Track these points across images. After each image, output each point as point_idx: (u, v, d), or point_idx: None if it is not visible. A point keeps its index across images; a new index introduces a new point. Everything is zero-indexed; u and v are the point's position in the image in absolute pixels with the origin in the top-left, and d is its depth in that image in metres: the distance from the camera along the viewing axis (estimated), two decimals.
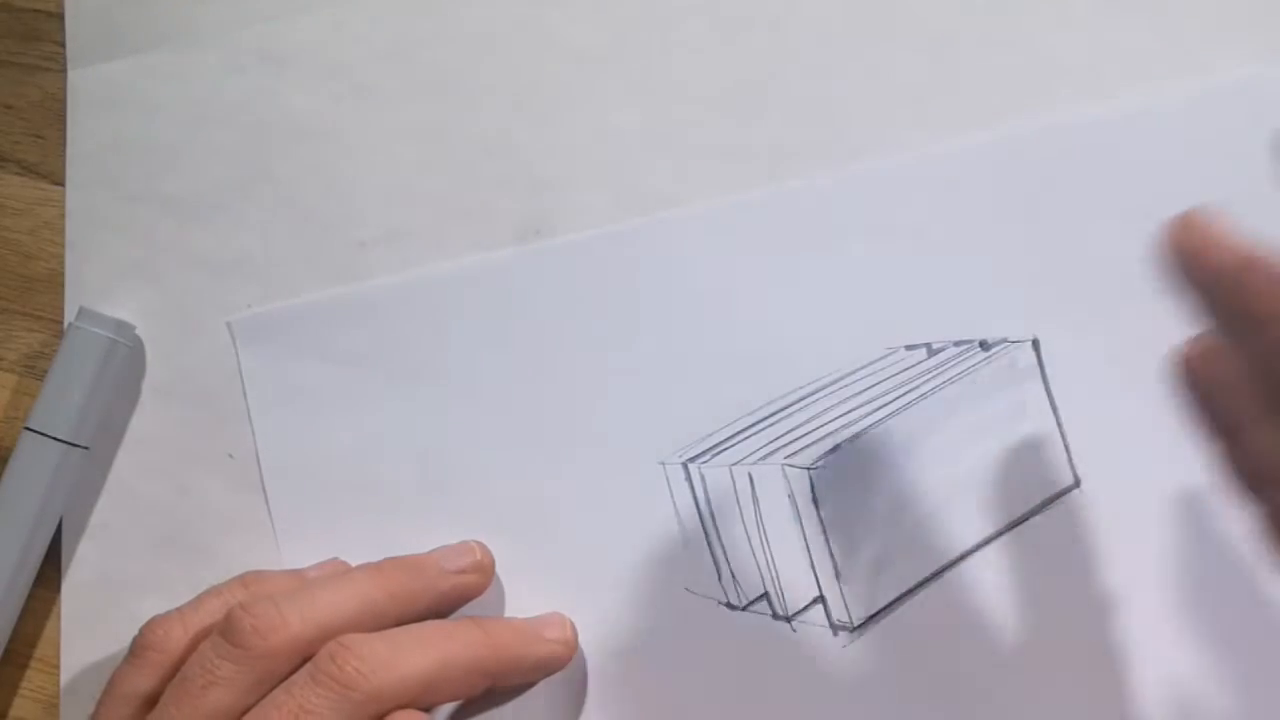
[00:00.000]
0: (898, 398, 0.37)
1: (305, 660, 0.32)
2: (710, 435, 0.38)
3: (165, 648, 0.34)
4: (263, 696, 0.32)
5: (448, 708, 0.37)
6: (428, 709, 0.33)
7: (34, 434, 0.38)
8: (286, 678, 0.32)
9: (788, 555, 0.36)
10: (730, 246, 0.39)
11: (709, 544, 0.37)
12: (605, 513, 0.38)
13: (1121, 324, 0.37)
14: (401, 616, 0.35)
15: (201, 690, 0.32)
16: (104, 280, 0.42)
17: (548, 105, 0.41)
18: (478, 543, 0.37)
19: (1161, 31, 0.39)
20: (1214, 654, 0.35)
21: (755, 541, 0.37)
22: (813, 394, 0.38)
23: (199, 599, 0.36)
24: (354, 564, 0.37)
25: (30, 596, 0.39)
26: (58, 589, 0.40)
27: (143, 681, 0.34)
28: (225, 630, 0.33)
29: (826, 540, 0.36)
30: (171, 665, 0.34)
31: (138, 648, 0.34)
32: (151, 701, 0.33)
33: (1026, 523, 0.36)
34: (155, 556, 0.39)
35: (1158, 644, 0.35)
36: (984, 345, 0.37)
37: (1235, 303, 0.27)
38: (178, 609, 0.35)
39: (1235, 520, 0.35)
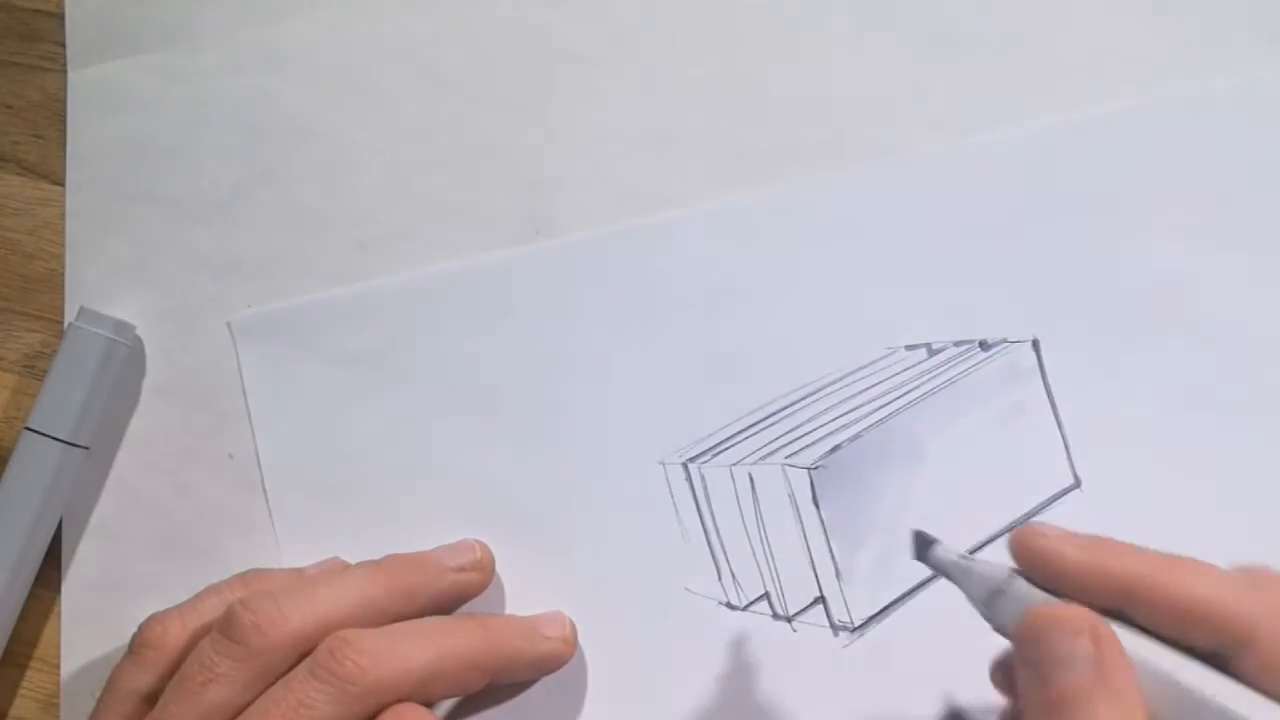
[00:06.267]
0: (898, 398, 0.37)
1: (305, 656, 0.32)
2: (710, 435, 0.38)
3: (164, 645, 0.34)
4: (262, 692, 0.32)
5: (448, 707, 0.37)
6: (427, 704, 0.33)
7: (34, 434, 0.38)
8: (286, 674, 0.32)
9: (788, 555, 0.36)
10: (730, 246, 0.39)
11: (709, 544, 0.37)
12: (605, 513, 0.38)
13: (1121, 324, 0.37)
14: (401, 613, 0.35)
15: (201, 686, 0.32)
16: (104, 280, 0.42)
17: (547, 105, 0.41)
18: (478, 541, 0.37)
19: (1161, 31, 0.39)
20: None
21: (755, 541, 0.37)
22: (813, 394, 0.38)
23: (198, 597, 0.36)
24: (354, 563, 0.37)
25: (30, 596, 0.39)
26: (58, 589, 0.40)
27: (142, 679, 0.34)
28: (224, 626, 0.33)
29: (827, 540, 0.36)
30: (170, 663, 0.34)
31: (136, 645, 0.35)
32: (151, 699, 0.33)
33: (1026, 523, 0.36)
34: (155, 556, 0.39)
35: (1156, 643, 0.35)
36: (984, 345, 0.37)
37: None
38: (176, 607, 0.35)
39: (1235, 522, 0.35)
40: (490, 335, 0.39)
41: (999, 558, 0.30)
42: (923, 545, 0.32)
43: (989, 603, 0.30)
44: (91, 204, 0.42)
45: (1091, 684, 0.27)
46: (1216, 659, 0.27)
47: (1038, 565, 0.29)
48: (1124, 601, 0.28)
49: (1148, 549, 0.29)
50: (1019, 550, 0.30)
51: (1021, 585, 0.30)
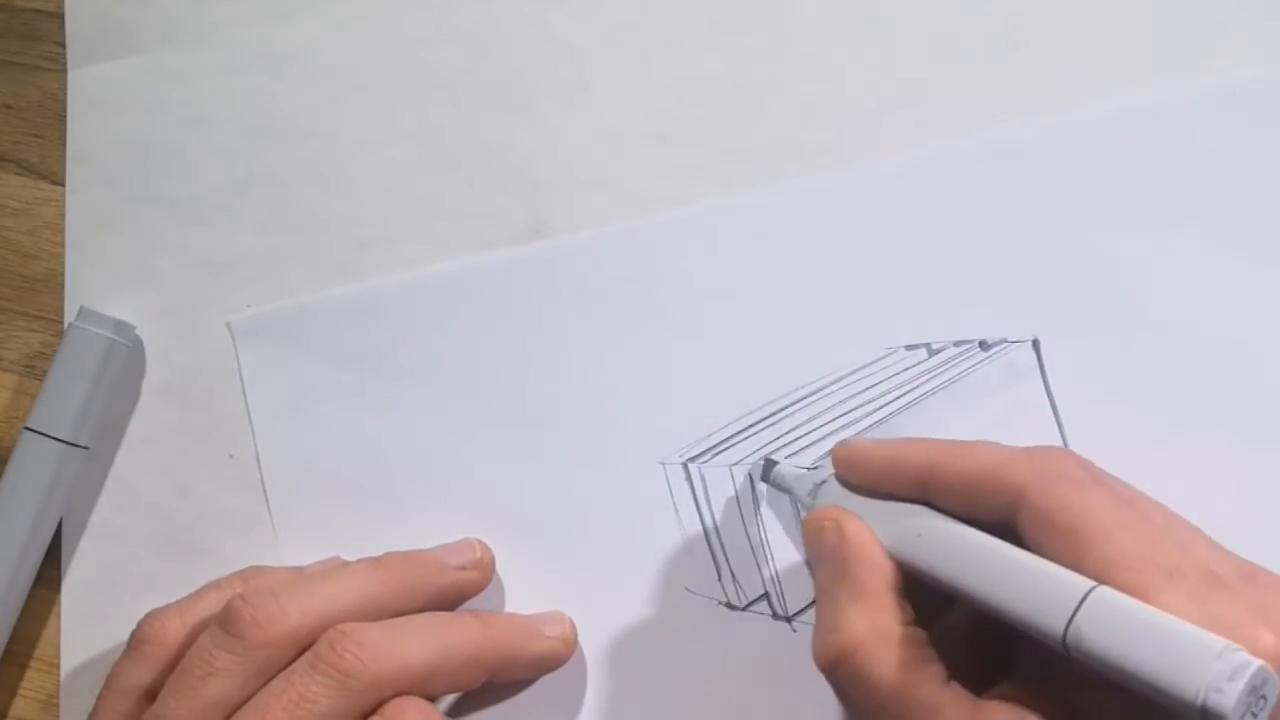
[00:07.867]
0: (898, 398, 0.37)
1: (304, 651, 0.32)
2: (710, 435, 0.38)
3: (163, 641, 0.34)
4: (261, 687, 0.32)
5: (445, 707, 0.37)
6: (426, 700, 0.33)
7: (34, 434, 0.38)
8: (285, 669, 0.32)
9: (788, 555, 0.36)
10: (730, 246, 0.39)
11: (709, 544, 0.37)
12: (605, 512, 0.38)
13: (1121, 324, 0.37)
14: (400, 610, 0.35)
15: (200, 681, 0.32)
16: (104, 280, 0.42)
17: (547, 105, 0.41)
18: (478, 540, 0.37)
19: (1161, 31, 0.39)
20: None
21: (755, 541, 0.37)
22: (813, 394, 0.38)
23: (197, 593, 0.36)
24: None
25: (30, 596, 0.39)
26: (58, 589, 0.40)
27: (141, 675, 0.34)
28: (224, 621, 0.33)
29: None
30: (169, 658, 0.34)
31: (136, 641, 0.35)
32: (151, 695, 0.34)
33: None
34: (155, 556, 0.39)
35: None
36: (984, 345, 0.37)
37: None
38: (175, 603, 0.35)
39: (1235, 520, 0.35)
40: (490, 335, 0.39)
41: None
42: (768, 468, 0.36)
43: (810, 504, 0.33)
44: (91, 204, 0.42)
45: (836, 576, 0.30)
46: (1009, 532, 0.28)
47: (849, 466, 0.32)
48: (924, 487, 0.30)
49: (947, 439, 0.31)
50: (836, 457, 0.33)
51: (831, 487, 0.33)
